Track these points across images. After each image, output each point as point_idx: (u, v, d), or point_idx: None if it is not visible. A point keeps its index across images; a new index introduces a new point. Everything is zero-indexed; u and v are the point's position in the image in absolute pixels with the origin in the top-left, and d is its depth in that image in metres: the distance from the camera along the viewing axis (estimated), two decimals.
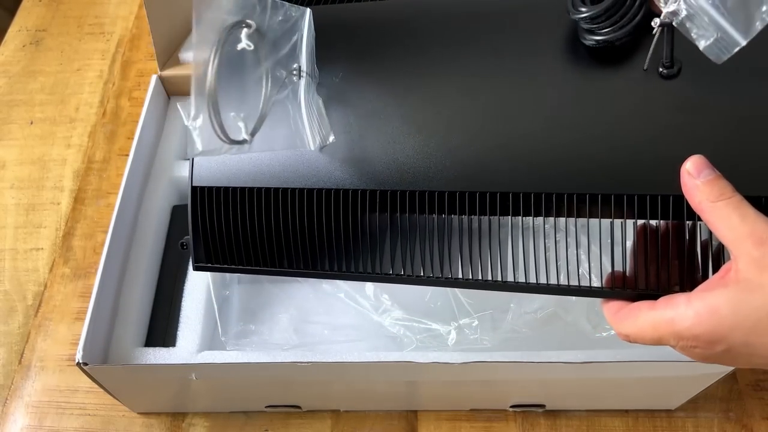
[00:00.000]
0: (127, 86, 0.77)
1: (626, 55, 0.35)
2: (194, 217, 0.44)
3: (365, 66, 0.41)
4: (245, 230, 0.42)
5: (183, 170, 0.59)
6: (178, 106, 0.60)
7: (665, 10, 0.31)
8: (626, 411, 0.54)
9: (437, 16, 0.40)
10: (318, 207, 0.40)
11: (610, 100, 0.35)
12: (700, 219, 0.31)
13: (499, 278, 0.37)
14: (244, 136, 0.35)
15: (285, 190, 0.41)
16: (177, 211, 0.59)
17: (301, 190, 0.41)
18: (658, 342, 0.32)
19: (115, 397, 0.51)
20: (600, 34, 0.34)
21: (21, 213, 0.67)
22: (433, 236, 0.38)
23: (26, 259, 0.64)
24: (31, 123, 0.74)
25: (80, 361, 0.45)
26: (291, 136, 0.38)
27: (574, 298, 0.50)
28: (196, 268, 0.45)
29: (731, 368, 0.44)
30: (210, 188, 0.44)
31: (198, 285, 0.52)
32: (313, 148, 0.39)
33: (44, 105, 0.75)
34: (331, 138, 0.39)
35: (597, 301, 0.49)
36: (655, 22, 0.32)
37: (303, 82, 0.38)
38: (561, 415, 0.54)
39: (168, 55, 0.61)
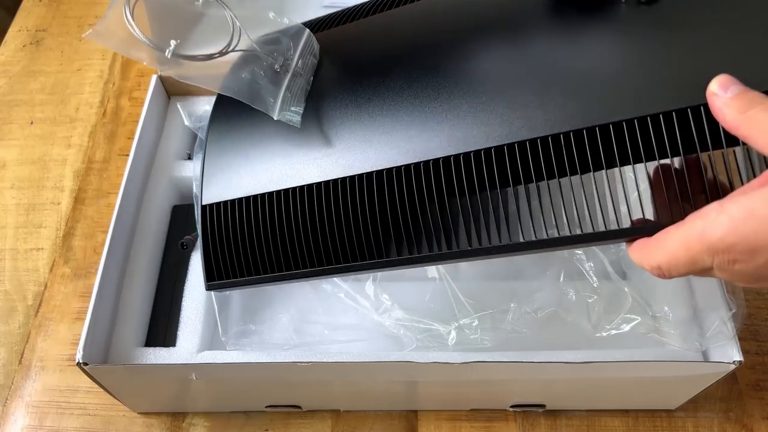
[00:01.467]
0: (127, 86, 0.77)
1: None
2: (205, 235, 0.44)
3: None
4: (265, 236, 0.42)
5: (183, 170, 0.59)
6: (179, 106, 0.61)
7: None
8: (626, 411, 0.54)
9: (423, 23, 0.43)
10: (335, 198, 0.39)
11: (601, 36, 0.35)
12: (717, 146, 0.29)
13: (521, 239, 0.35)
14: (169, 47, 0.39)
15: (302, 187, 0.40)
16: (177, 211, 0.59)
17: (318, 184, 0.40)
18: (693, 266, 0.28)
19: (115, 397, 0.51)
20: None
21: (21, 213, 0.67)
22: (464, 205, 0.36)
23: (26, 259, 0.64)
24: (32, 123, 0.74)
25: (80, 361, 0.45)
26: (255, 95, 0.43)
27: (574, 297, 0.50)
28: (209, 288, 0.45)
29: (731, 368, 0.44)
30: (222, 203, 0.44)
31: (198, 285, 0.52)
32: (276, 118, 0.42)
33: (44, 105, 0.75)
34: (297, 120, 0.42)
35: (597, 301, 0.50)
36: None
37: (290, 74, 0.43)
38: (561, 415, 0.54)
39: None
